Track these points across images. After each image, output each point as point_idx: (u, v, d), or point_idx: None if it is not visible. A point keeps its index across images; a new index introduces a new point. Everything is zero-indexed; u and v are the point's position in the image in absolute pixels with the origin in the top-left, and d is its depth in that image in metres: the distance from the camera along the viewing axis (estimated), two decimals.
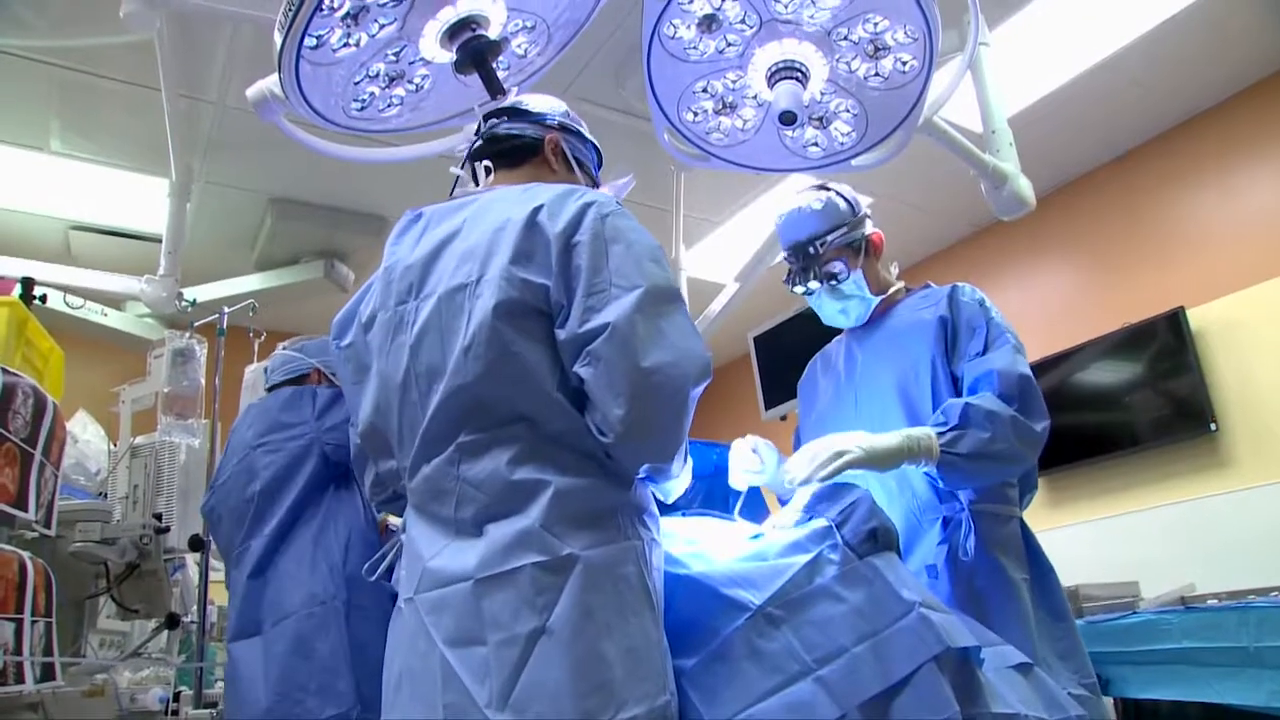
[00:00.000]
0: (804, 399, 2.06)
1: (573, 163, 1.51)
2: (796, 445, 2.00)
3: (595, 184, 1.57)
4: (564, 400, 1.20)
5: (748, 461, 1.73)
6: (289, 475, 2.16)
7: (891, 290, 1.92)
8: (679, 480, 1.42)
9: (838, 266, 1.84)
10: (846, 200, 1.89)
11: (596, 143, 1.60)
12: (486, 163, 1.50)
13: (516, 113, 1.54)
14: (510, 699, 1.06)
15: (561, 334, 1.21)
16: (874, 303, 1.89)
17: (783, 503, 1.65)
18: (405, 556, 1.29)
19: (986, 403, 1.61)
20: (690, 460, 1.39)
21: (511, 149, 1.49)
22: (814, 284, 1.86)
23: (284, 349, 2.52)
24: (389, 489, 1.40)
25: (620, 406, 1.15)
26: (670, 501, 1.43)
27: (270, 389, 2.46)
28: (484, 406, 1.22)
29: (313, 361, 2.44)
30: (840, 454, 1.53)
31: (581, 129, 1.57)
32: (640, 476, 1.25)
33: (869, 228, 1.90)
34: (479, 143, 1.53)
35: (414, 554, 1.25)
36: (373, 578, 1.43)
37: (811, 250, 1.85)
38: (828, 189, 1.91)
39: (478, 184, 1.49)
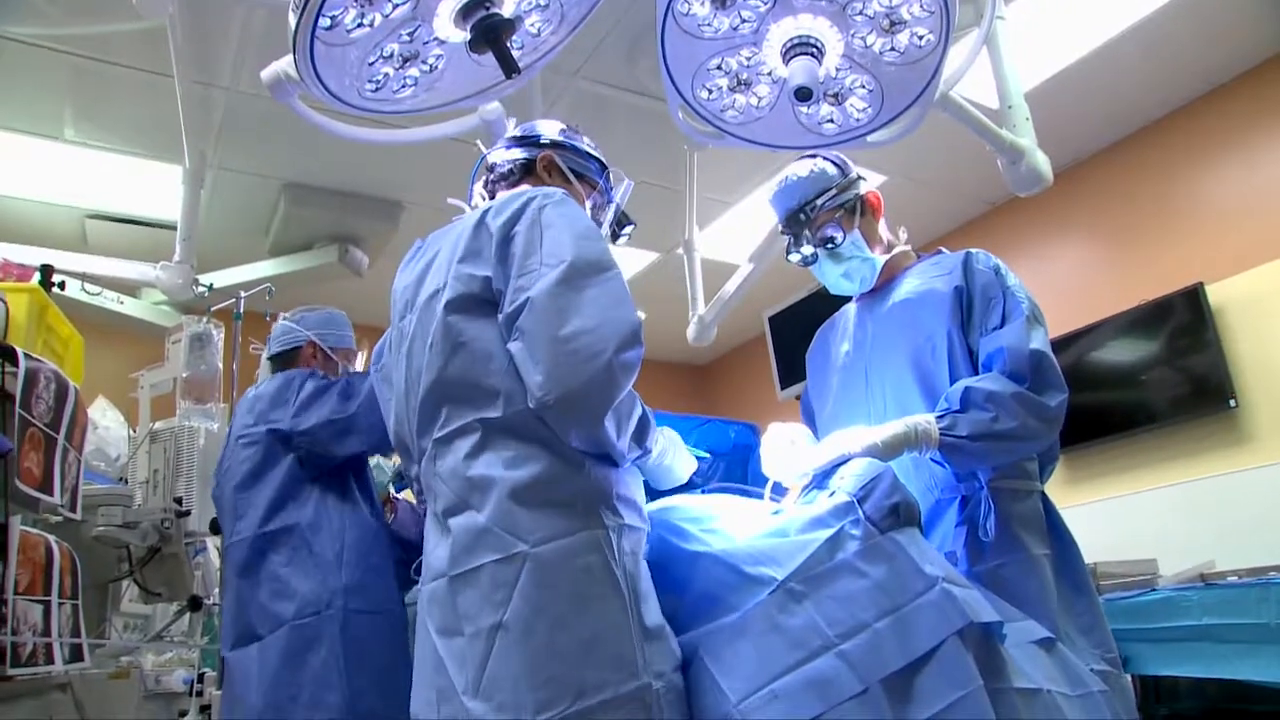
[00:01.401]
0: (813, 370, 2.03)
1: (569, 175, 1.60)
2: (804, 413, 2.00)
3: (599, 191, 1.65)
4: (512, 384, 1.26)
5: (784, 454, 1.68)
6: (262, 471, 2.10)
7: (898, 252, 1.89)
8: (674, 465, 1.49)
9: (832, 229, 1.83)
10: (835, 164, 1.89)
11: (598, 154, 1.69)
12: (481, 188, 1.62)
13: (511, 140, 1.66)
14: (480, 688, 1.14)
15: (500, 317, 1.28)
16: (878, 262, 1.86)
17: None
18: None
19: (989, 383, 1.59)
20: (656, 429, 1.41)
21: (508, 172, 1.60)
22: (808, 249, 1.85)
23: (285, 319, 2.49)
24: None
25: (539, 374, 1.20)
26: (665, 486, 1.49)
27: (270, 358, 2.45)
28: (447, 400, 1.30)
29: (309, 334, 2.40)
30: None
31: (579, 144, 1.67)
32: (584, 452, 1.26)
33: (863, 187, 1.88)
34: (482, 174, 1.65)
35: (426, 548, 1.34)
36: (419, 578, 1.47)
37: (803, 217, 1.85)
38: (815, 156, 1.91)
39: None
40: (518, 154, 1.62)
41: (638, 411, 1.31)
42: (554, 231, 1.30)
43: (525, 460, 1.23)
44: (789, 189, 1.88)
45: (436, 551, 1.28)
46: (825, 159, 1.90)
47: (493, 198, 1.58)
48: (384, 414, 1.52)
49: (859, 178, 1.90)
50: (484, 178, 1.64)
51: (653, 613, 1.21)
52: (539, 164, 1.59)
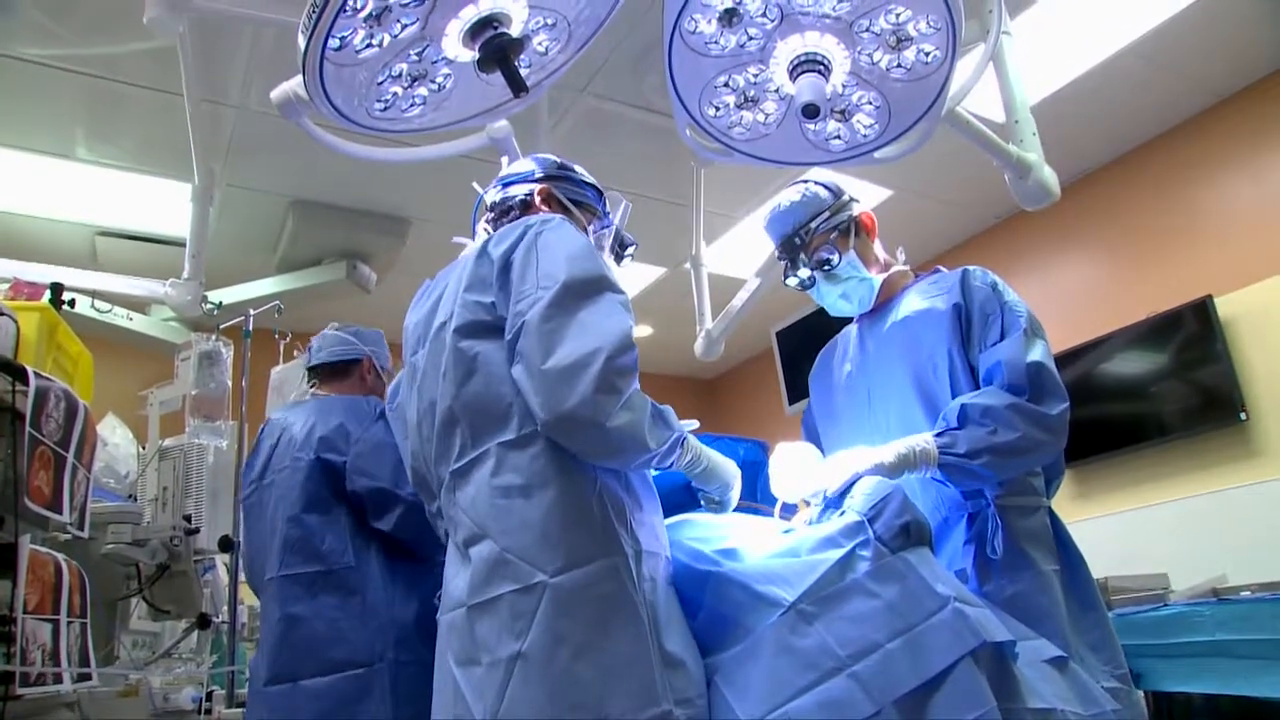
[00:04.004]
0: (815, 391, 2.04)
1: (567, 204, 1.62)
2: (806, 433, 2.00)
3: (598, 217, 1.67)
4: (523, 405, 1.27)
5: (794, 473, 1.65)
6: (323, 505, 2.00)
7: (895, 271, 1.90)
8: (716, 461, 1.43)
9: (827, 251, 1.85)
10: (826, 187, 1.91)
11: (593, 181, 1.70)
12: (485, 226, 1.63)
13: (506, 178, 1.68)
14: (498, 717, 1.15)
15: (505, 341, 1.30)
16: (876, 283, 1.87)
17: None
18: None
19: (985, 398, 1.59)
20: (672, 415, 1.35)
21: (507, 209, 1.61)
22: (805, 272, 1.87)
23: (335, 329, 2.36)
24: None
25: (537, 396, 1.22)
26: (716, 484, 1.46)
27: (311, 368, 2.35)
28: (463, 426, 1.32)
29: (366, 349, 2.31)
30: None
31: (574, 173, 1.68)
32: (601, 469, 1.26)
33: (856, 209, 1.90)
34: (483, 213, 1.67)
35: (446, 577, 1.36)
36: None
37: (798, 241, 1.87)
38: (806, 181, 1.94)
39: None
40: (515, 190, 1.63)
41: (648, 408, 1.27)
42: (549, 254, 1.32)
43: (540, 486, 1.24)
44: (782, 215, 1.91)
45: (456, 581, 1.29)
46: (816, 183, 1.92)
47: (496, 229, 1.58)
48: (400, 451, 1.52)
49: (851, 199, 1.92)
50: (485, 216, 1.66)
51: (675, 639, 1.21)
52: (537, 197, 1.61)
